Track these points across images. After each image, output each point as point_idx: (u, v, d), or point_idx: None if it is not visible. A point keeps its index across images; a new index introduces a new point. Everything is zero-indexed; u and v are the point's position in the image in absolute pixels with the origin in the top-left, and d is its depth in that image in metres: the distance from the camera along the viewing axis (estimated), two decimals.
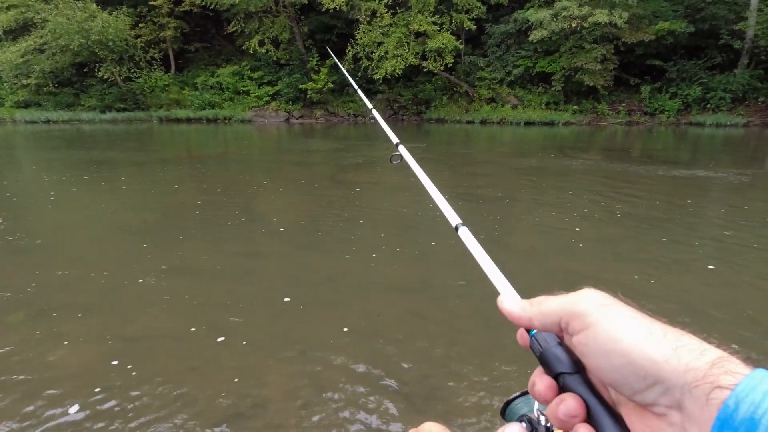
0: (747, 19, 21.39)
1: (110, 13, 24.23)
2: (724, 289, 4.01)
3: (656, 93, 23.71)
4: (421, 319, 3.50)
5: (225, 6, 24.45)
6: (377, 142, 15.08)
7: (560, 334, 0.40)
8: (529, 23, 22.98)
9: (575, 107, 24.01)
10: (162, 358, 2.92)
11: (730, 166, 10.69)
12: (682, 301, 3.75)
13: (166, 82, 26.51)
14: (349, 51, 24.24)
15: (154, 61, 26.36)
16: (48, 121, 23.31)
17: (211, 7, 24.71)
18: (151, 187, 8.50)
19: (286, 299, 3.73)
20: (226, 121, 24.74)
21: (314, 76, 25.22)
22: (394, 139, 1.21)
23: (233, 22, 26.05)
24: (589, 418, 0.36)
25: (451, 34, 23.77)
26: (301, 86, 25.18)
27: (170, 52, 27.34)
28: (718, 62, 22.87)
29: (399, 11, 23.81)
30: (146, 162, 11.77)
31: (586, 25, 21.10)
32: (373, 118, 1.53)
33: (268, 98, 26.18)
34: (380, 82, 24.16)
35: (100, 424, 2.32)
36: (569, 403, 0.36)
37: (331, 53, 5.16)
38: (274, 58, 26.32)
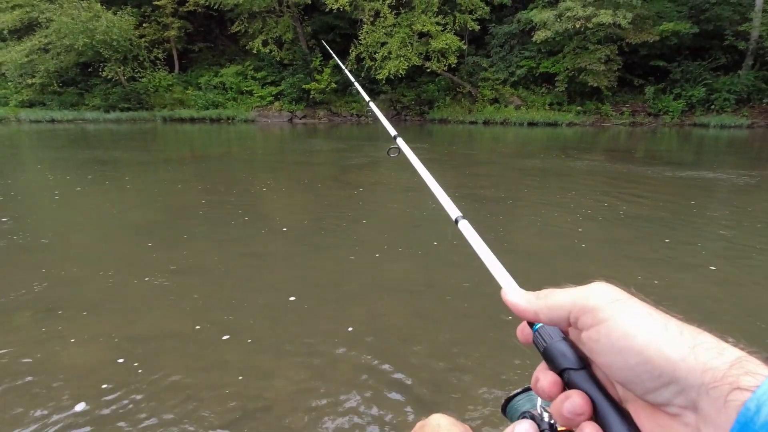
0: (752, 20, 21.30)
1: (114, 13, 24.32)
2: (729, 289, 3.99)
3: (660, 94, 23.65)
4: (425, 319, 3.50)
5: (229, 6, 24.51)
6: (380, 142, 15.10)
7: (565, 328, 0.39)
8: (533, 24, 22.95)
9: (579, 108, 23.97)
10: (168, 356, 2.94)
11: (734, 168, 10.64)
12: (686, 302, 3.74)
13: (170, 82, 26.60)
14: (352, 51, 24.26)
15: (158, 61, 26.45)
16: (52, 121, 23.42)
17: (215, 7, 24.77)
18: (155, 187, 8.53)
19: (292, 298, 3.74)
20: (230, 121, 24.79)
21: (317, 76, 25.26)
22: (392, 132, 1.20)
23: (237, 22, 26.11)
24: (596, 416, 0.35)
25: (454, 34, 23.77)
26: (304, 86, 25.23)
27: (174, 52, 27.42)
28: (723, 63, 22.79)
29: (402, 11, 23.82)
30: (150, 161, 11.81)
31: (590, 25, 21.06)
32: (371, 110, 1.53)
33: (271, 98, 26.23)
34: (383, 82, 24.18)
35: (107, 422, 2.33)
36: (575, 401, 0.35)
37: (326, 45, 5.16)
38: (278, 58, 26.37)
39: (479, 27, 24.33)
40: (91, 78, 25.39)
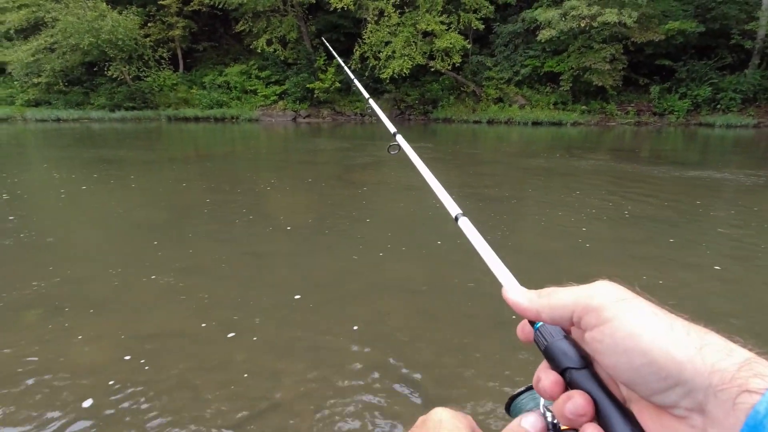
0: (758, 19, 21.17)
1: (120, 13, 24.44)
2: (736, 289, 3.97)
3: (665, 93, 23.54)
4: (430, 318, 3.50)
5: (233, 5, 24.58)
6: (384, 141, 15.05)
7: (567, 328, 0.38)
8: (538, 23, 22.88)
9: (583, 107, 23.89)
10: (174, 354, 2.95)
11: (740, 167, 10.58)
12: (692, 302, 3.72)
13: (175, 81, 26.70)
14: (356, 50, 24.27)
15: (162, 60, 26.55)
16: (58, 120, 23.55)
17: (220, 6, 24.85)
18: (160, 186, 8.57)
19: (296, 297, 3.75)
20: (234, 120, 24.86)
21: (321, 76, 25.29)
22: (392, 129, 1.19)
23: (241, 22, 26.18)
24: (598, 417, 0.34)
25: (458, 33, 23.73)
26: (308, 85, 25.27)
27: (179, 52, 27.52)
28: (729, 62, 22.66)
29: (407, 11, 23.81)
30: (155, 160, 11.86)
31: (595, 24, 20.98)
32: (371, 107, 1.53)
33: (275, 97, 26.29)
34: (387, 81, 24.18)
35: (114, 419, 2.35)
36: (577, 401, 0.34)
37: (326, 43, 5.17)
38: (282, 58, 26.42)
39: (483, 26, 24.28)
40: (97, 77, 25.53)
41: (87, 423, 2.32)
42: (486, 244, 0.55)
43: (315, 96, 25.61)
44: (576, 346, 0.37)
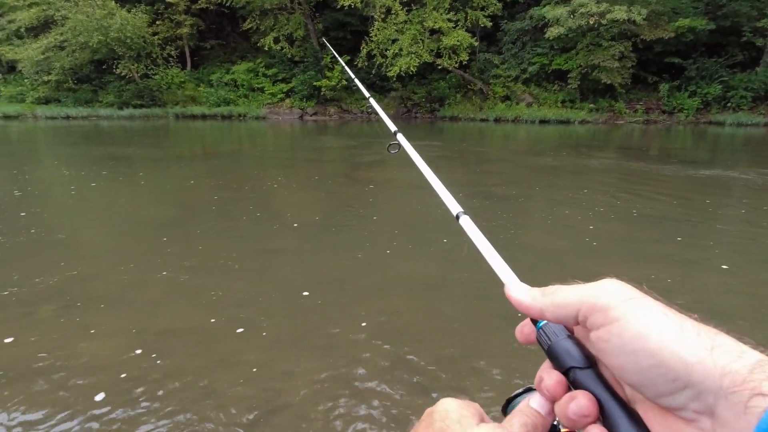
0: None
1: (128, 11, 24.59)
2: (745, 289, 3.95)
3: (675, 91, 23.31)
4: (439, 313, 3.52)
5: (241, 3, 24.64)
6: (389, 140, 15.07)
7: (571, 327, 0.37)
8: (546, 20, 22.72)
9: (591, 105, 23.72)
10: (185, 349, 2.99)
11: (750, 166, 10.47)
12: (701, 301, 3.70)
13: (182, 79, 26.84)
14: (363, 48, 24.25)
15: (170, 58, 26.69)
16: (67, 117, 23.76)
17: (227, 4, 24.92)
18: (168, 183, 8.63)
19: (305, 293, 3.78)
20: (241, 118, 24.95)
21: (328, 73, 25.31)
22: (392, 128, 1.19)
23: (248, 20, 26.24)
24: (603, 418, 0.33)
25: (466, 31, 23.62)
26: (315, 83, 25.30)
27: (186, 49, 27.64)
28: (740, 60, 22.39)
29: (414, 8, 23.75)
30: (163, 158, 11.95)
31: (604, 22, 20.80)
32: (371, 107, 1.53)
33: (282, 95, 26.35)
34: (394, 79, 24.13)
35: (126, 412, 2.38)
36: (581, 402, 0.33)
37: (327, 44, 5.20)
38: (289, 55, 26.46)
39: (491, 23, 24.15)
40: (105, 75, 25.73)
41: (99, 416, 2.36)
42: (487, 243, 0.55)
43: (322, 94, 25.63)
44: (580, 345, 0.36)
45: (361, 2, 23.28)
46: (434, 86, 25.45)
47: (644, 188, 7.97)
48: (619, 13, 20.14)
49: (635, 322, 0.31)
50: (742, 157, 12.63)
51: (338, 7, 23.96)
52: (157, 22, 26.31)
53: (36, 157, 12.02)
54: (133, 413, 2.38)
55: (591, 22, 21.07)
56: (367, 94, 1.77)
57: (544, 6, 23.21)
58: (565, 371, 0.35)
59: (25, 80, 25.93)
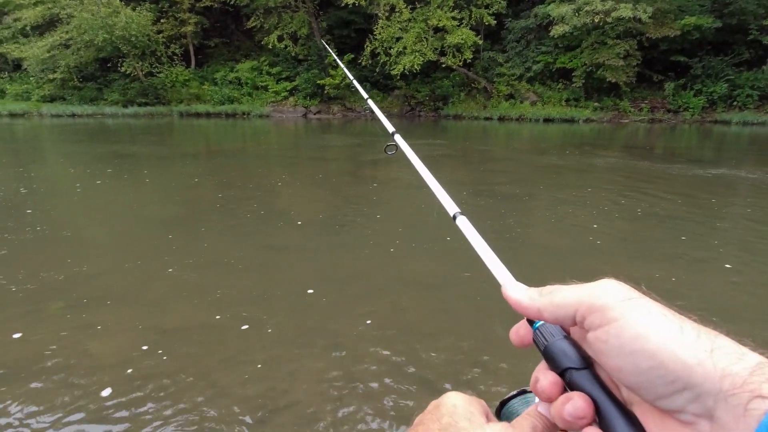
0: None
1: (133, 9, 24.68)
2: (749, 289, 3.93)
3: (680, 90, 23.18)
4: (443, 311, 3.52)
5: (245, 1, 24.69)
6: (388, 140, 15.05)
7: (568, 327, 0.37)
8: (551, 18, 22.64)
9: (596, 104, 23.62)
10: (191, 346, 3.01)
11: (756, 165, 10.41)
12: (705, 300, 3.69)
13: (187, 77, 26.92)
14: (367, 46, 24.23)
15: (175, 57, 26.77)
16: (73, 115, 23.88)
17: (231, 2, 24.97)
18: (173, 181, 8.66)
19: (309, 291, 3.79)
20: (245, 116, 24.99)
21: (332, 72, 25.31)
22: (390, 128, 1.18)
23: (252, 18, 26.28)
24: (599, 420, 0.32)
25: (470, 29, 23.57)
26: (318, 81, 25.32)
27: (191, 48, 27.72)
28: (746, 58, 22.24)
29: (418, 6, 23.70)
30: (167, 156, 11.99)
31: (609, 20, 20.70)
32: (369, 107, 1.53)
33: (286, 93, 26.39)
34: (398, 77, 24.11)
35: (132, 407, 2.40)
36: (577, 403, 0.32)
37: (325, 44, 5.20)
38: (293, 54, 26.49)
39: (495, 22, 24.08)
40: (110, 73, 25.85)
41: (106, 411, 2.38)
42: (484, 243, 0.54)
43: (325, 92, 25.65)
44: (577, 346, 0.36)
45: (365, 0, 23.26)
46: (438, 85, 25.41)
47: (649, 187, 7.94)
48: (625, 10, 20.04)
49: (634, 322, 0.31)
50: (748, 156, 12.55)
51: (342, 5, 23.96)
52: (162, 21, 26.40)
53: (42, 155, 12.09)
54: (139, 409, 2.40)
55: (596, 20, 20.97)
56: (365, 95, 1.75)
57: (549, 4, 23.11)
58: (561, 372, 0.35)
59: (31, 78, 26.09)
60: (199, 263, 4.39)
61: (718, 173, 9.40)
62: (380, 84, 26.09)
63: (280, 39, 26.10)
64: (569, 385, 0.35)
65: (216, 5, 25.90)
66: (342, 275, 4.23)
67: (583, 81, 23.14)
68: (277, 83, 26.59)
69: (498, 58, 25.48)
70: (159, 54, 26.15)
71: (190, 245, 4.92)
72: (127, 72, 25.09)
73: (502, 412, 0.58)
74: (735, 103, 22.18)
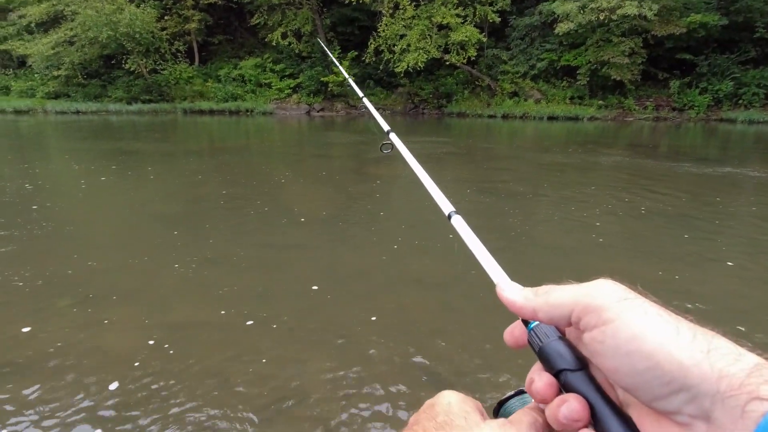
0: None
1: (137, 6, 24.71)
2: (753, 287, 3.91)
3: (685, 88, 23.06)
4: (448, 308, 3.53)
5: None
6: (397, 136, 15.05)
7: (563, 328, 0.37)
8: (555, 15, 22.53)
9: (600, 102, 23.53)
10: (197, 341, 3.03)
11: (762, 164, 10.35)
12: (708, 297, 3.68)
13: (191, 74, 26.95)
14: (371, 44, 24.19)
15: (178, 54, 26.80)
16: (77, 112, 23.97)
17: None
18: (177, 178, 8.69)
19: (314, 287, 3.80)
20: (248, 113, 25.02)
21: (335, 69, 25.28)
22: (385, 127, 1.18)
23: (256, 15, 26.27)
24: (595, 422, 0.32)
25: (474, 26, 23.48)
26: (322, 79, 25.30)
27: (194, 45, 27.73)
28: (752, 56, 22.08)
29: (422, 3, 23.64)
30: (171, 153, 12.03)
31: (614, 17, 20.59)
32: (365, 106, 1.52)
33: (289, 90, 26.38)
34: (401, 75, 24.06)
35: (139, 401, 2.43)
36: (572, 405, 0.32)
37: (323, 45, 5.22)
38: (296, 51, 26.47)
39: (500, 19, 23.98)
40: (114, 70, 25.91)
41: (113, 404, 2.40)
42: (479, 242, 0.54)
43: (329, 89, 25.64)
44: (571, 346, 0.35)
45: None
46: (442, 82, 25.35)
47: (653, 185, 7.92)
48: (630, 8, 19.92)
49: (630, 323, 0.30)
50: (754, 155, 12.48)
51: (346, 2, 23.92)
52: (166, 18, 26.42)
53: (46, 152, 12.14)
54: (146, 402, 2.42)
55: (601, 18, 20.86)
56: (360, 93, 1.75)
57: (554, 1, 22.99)
58: (557, 373, 0.35)
59: (36, 75, 26.18)
60: (203, 260, 4.41)
61: (723, 172, 9.36)
62: (384, 81, 26.05)
63: (284, 36, 26.09)
64: (564, 387, 0.34)
65: (220, 2, 25.87)
66: (346, 272, 4.25)
67: (588, 79, 23.04)
68: (280, 80, 26.58)
69: (502, 55, 25.40)
70: (163, 51, 26.18)
71: (194, 242, 4.94)
72: (131, 69, 25.14)
73: (500, 412, 0.58)
74: (741, 101, 22.04)
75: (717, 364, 0.27)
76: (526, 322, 0.39)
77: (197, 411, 2.36)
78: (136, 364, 2.72)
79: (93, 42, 24.11)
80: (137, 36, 24.14)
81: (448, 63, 24.14)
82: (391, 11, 23.71)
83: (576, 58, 23.20)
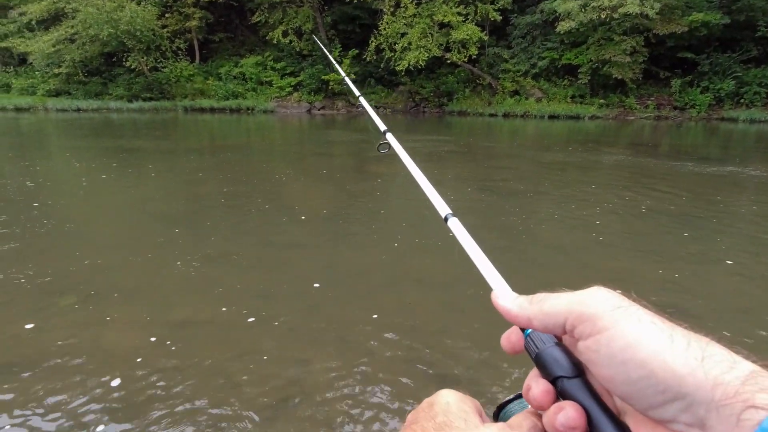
0: None
1: (138, 3, 24.69)
2: (754, 286, 3.92)
3: (687, 87, 23.03)
4: (451, 307, 3.53)
5: None
6: (397, 135, 15.06)
7: (559, 336, 0.37)
8: (557, 14, 22.50)
9: (602, 101, 23.51)
10: (198, 338, 3.03)
11: (763, 163, 10.34)
12: (708, 297, 3.68)
13: (191, 72, 26.94)
14: (372, 42, 24.17)
15: (179, 51, 26.80)
16: (78, 110, 23.98)
17: None
18: (178, 176, 8.69)
19: (316, 285, 3.81)
20: (249, 111, 25.01)
21: (335, 67, 25.26)
22: (382, 127, 1.17)
23: (257, 13, 26.25)
24: (591, 430, 0.32)
25: (475, 25, 23.46)
26: (323, 77, 25.29)
27: (195, 43, 27.72)
28: (754, 55, 22.06)
29: (423, 2, 23.60)
30: (172, 151, 12.03)
31: (616, 16, 20.56)
32: (361, 105, 1.52)
33: (290, 89, 26.38)
34: (402, 73, 24.04)
35: (141, 397, 2.43)
36: (569, 413, 0.32)
37: (318, 42, 5.20)
38: (297, 49, 26.46)
39: (501, 17, 23.96)
40: (115, 68, 25.92)
41: (116, 400, 2.41)
42: (476, 246, 0.53)
43: (330, 88, 25.63)
44: (568, 353, 0.35)
45: None
46: (443, 81, 25.34)
47: (654, 184, 7.92)
48: (632, 6, 19.89)
49: (624, 331, 0.30)
50: (755, 154, 12.47)
51: (347, 0, 23.87)
52: (166, 15, 26.41)
53: (47, 149, 12.15)
54: (148, 399, 2.43)
55: (603, 16, 20.83)
56: (357, 92, 1.75)
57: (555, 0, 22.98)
58: (553, 380, 0.35)
59: (36, 73, 26.18)
60: (205, 258, 4.42)
61: (725, 171, 9.35)
62: (385, 80, 26.04)
63: (285, 34, 26.07)
64: (561, 394, 0.34)
65: (221, 0, 25.87)
66: (347, 270, 4.25)
67: (589, 77, 23.03)
68: (281, 78, 26.58)
69: (503, 54, 25.37)
70: (164, 49, 26.18)
71: (195, 240, 4.95)
72: (132, 67, 25.15)
73: (500, 416, 0.58)
74: (742, 100, 22.02)
75: (712, 371, 0.27)
76: (522, 328, 0.39)
77: (199, 408, 2.37)
78: (138, 360, 2.73)
79: (94, 39, 24.10)
80: (138, 34, 24.14)
81: (449, 61, 24.12)
82: (392, 9, 23.68)
83: (577, 57, 23.18)
